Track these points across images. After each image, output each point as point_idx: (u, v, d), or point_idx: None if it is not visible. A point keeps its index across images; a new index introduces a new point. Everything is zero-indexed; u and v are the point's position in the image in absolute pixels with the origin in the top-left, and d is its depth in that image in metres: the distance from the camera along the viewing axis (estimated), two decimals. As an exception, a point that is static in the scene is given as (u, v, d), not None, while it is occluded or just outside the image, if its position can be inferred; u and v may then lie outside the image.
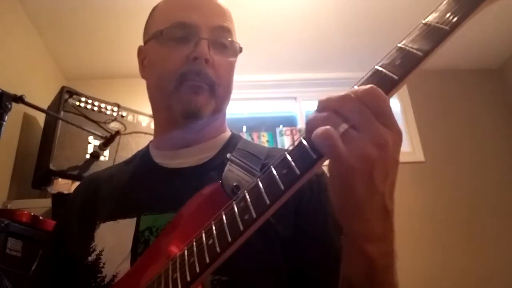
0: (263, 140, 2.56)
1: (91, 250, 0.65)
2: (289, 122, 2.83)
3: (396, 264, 0.45)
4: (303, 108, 2.85)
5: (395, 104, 2.77)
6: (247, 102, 2.84)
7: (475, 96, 2.80)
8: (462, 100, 2.78)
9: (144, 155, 0.80)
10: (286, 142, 2.52)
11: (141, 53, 0.80)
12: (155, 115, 0.80)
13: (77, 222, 0.72)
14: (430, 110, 2.72)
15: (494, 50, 2.70)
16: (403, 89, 2.73)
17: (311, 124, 0.39)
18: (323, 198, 0.67)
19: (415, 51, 0.41)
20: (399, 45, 0.43)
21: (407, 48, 0.42)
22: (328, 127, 0.37)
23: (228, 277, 0.56)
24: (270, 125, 2.68)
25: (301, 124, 2.75)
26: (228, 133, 0.81)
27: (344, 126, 0.38)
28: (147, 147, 0.82)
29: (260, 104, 2.91)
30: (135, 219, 0.65)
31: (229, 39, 0.74)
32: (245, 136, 2.52)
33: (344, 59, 2.67)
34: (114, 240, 0.64)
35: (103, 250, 0.64)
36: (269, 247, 0.60)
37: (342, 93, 0.40)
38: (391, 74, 0.41)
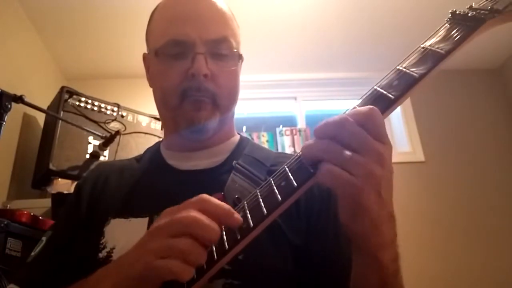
0: (263, 140, 2.55)
1: (101, 246, 0.65)
2: (289, 122, 2.83)
3: (401, 266, 0.47)
4: (303, 108, 2.85)
5: (395, 104, 2.77)
6: (247, 102, 2.84)
7: (475, 96, 2.80)
8: (462, 100, 2.78)
9: (155, 155, 0.80)
10: (286, 142, 2.52)
11: (145, 61, 0.80)
12: (163, 122, 0.80)
13: (85, 209, 0.72)
14: (430, 110, 2.72)
15: (494, 50, 2.70)
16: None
17: (311, 155, 0.42)
18: (333, 204, 0.68)
19: (411, 72, 0.44)
20: (398, 67, 0.46)
21: (404, 69, 0.45)
22: (329, 165, 0.40)
23: (240, 282, 0.57)
24: (270, 125, 2.68)
25: (301, 124, 2.75)
26: (237, 137, 0.82)
27: (347, 153, 0.40)
28: (158, 146, 0.82)
29: (260, 104, 2.91)
30: (147, 218, 0.65)
31: (228, 49, 0.72)
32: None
33: (344, 59, 2.67)
34: (125, 238, 0.64)
35: (114, 248, 0.64)
36: (280, 254, 0.61)
37: (339, 117, 0.42)
38: (388, 94, 0.43)
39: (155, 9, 0.79)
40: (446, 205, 2.44)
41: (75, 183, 1.71)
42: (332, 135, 0.41)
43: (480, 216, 2.43)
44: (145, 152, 0.85)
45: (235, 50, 0.74)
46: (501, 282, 2.25)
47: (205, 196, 0.46)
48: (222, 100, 0.71)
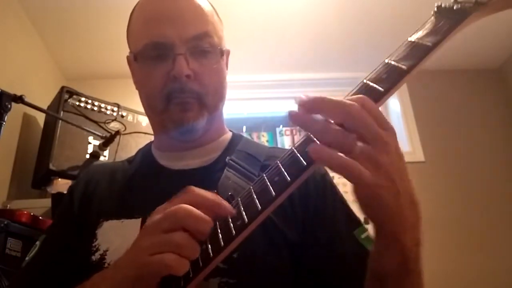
0: (263, 140, 2.56)
1: (94, 249, 0.64)
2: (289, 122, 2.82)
3: (422, 252, 0.46)
4: (303, 108, 2.84)
5: (395, 104, 2.77)
6: (247, 102, 2.83)
7: (475, 96, 2.80)
8: (462, 100, 2.78)
9: (147, 156, 0.80)
10: (286, 142, 2.53)
11: (130, 64, 0.79)
12: (152, 124, 0.79)
13: (77, 212, 0.71)
14: (430, 110, 2.72)
15: (494, 50, 2.70)
16: (403, 89, 2.73)
17: (323, 139, 0.39)
18: (329, 198, 0.67)
19: (400, 65, 0.44)
20: (386, 60, 0.46)
21: (393, 63, 0.45)
22: (346, 159, 0.37)
23: (236, 280, 0.57)
24: (270, 125, 2.68)
25: (301, 124, 2.74)
26: (229, 134, 0.81)
27: (359, 145, 0.38)
28: (149, 147, 0.82)
29: (260, 104, 2.91)
30: (140, 219, 0.64)
31: (210, 45, 0.70)
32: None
33: (344, 59, 2.67)
34: (118, 240, 0.63)
35: (107, 250, 0.63)
36: (276, 251, 0.61)
37: (356, 107, 0.39)
38: (377, 87, 0.43)
39: (133, 9, 0.76)
40: (446, 205, 2.43)
41: (75, 183, 1.72)
42: (347, 121, 0.39)
43: (480, 216, 2.42)
44: (137, 153, 0.84)
45: (218, 46, 0.72)
46: (500, 283, 2.25)
47: (192, 188, 0.46)
48: (209, 99, 0.70)
